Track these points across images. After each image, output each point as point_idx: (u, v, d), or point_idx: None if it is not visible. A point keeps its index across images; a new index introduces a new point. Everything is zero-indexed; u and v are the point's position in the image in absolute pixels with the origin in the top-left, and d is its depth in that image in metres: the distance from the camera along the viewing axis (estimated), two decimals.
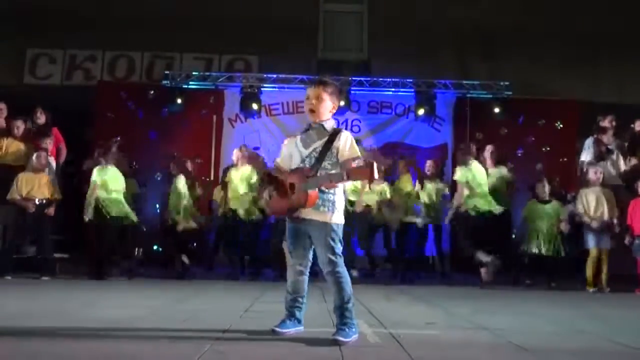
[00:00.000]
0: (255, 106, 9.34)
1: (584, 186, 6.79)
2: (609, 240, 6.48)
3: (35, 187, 6.61)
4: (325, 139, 3.08)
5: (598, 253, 6.46)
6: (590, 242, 6.51)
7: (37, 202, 6.57)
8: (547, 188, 6.94)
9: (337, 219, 3.07)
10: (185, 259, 6.85)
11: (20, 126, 7.29)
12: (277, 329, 3.07)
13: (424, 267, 7.82)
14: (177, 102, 9.30)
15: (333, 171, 3.02)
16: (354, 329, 2.96)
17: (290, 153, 3.20)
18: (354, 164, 2.97)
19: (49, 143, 7.27)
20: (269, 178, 3.21)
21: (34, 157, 6.76)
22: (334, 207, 3.04)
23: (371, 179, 3.02)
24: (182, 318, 3.61)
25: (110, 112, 9.25)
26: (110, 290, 5.48)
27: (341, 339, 2.86)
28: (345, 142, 3.06)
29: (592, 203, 6.57)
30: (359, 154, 3.09)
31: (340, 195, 3.11)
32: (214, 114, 9.52)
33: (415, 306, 4.77)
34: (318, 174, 3.00)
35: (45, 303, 4.47)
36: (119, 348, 2.69)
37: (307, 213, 3.03)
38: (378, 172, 2.96)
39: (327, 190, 3.03)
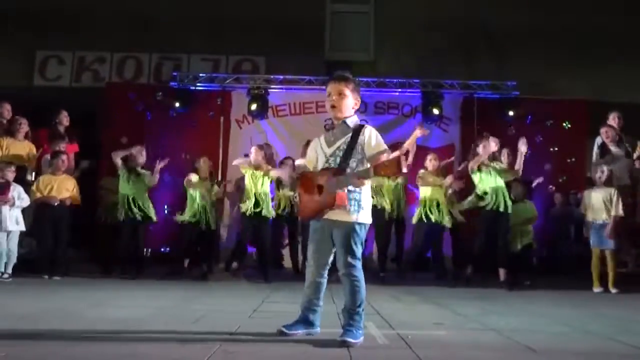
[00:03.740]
0: (262, 107, 9.36)
1: (589, 187, 6.78)
2: (612, 241, 6.37)
3: (55, 188, 6.62)
4: (349, 135, 3.02)
5: (601, 253, 6.43)
6: (593, 242, 6.50)
7: (55, 204, 6.57)
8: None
9: (362, 218, 2.98)
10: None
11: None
12: (284, 330, 3.04)
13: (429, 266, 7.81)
14: (184, 104, 9.34)
15: (360, 168, 2.95)
16: (361, 331, 2.95)
17: (316, 154, 3.14)
18: (383, 158, 2.90)
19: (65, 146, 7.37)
20: (298, 181, 3.15)
21: (55, 159, 6.76)
22: (359, 206, 2.96)
23: (398, 173, 3.00)
24: (191, 318, 3.62)
25: (119, 113, 9.31)
26: (119, 289, 5.51)
27: (350, 340, 2.84)
28: (370, 137, 3.00)
29: (594, 203, 6.54)
30: (385, 147, 3.00)
31: (366, 193, 3.01)
32: (221, 115, 9.54)
33: (423, 307, 4.77)
34: (346, 173, 2.93)
35: (54, 304, 4.50)
36: (128, 349, 2.71)
37: (332, 212, 2.96)
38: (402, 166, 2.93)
39: (353, 189, 2.95)
